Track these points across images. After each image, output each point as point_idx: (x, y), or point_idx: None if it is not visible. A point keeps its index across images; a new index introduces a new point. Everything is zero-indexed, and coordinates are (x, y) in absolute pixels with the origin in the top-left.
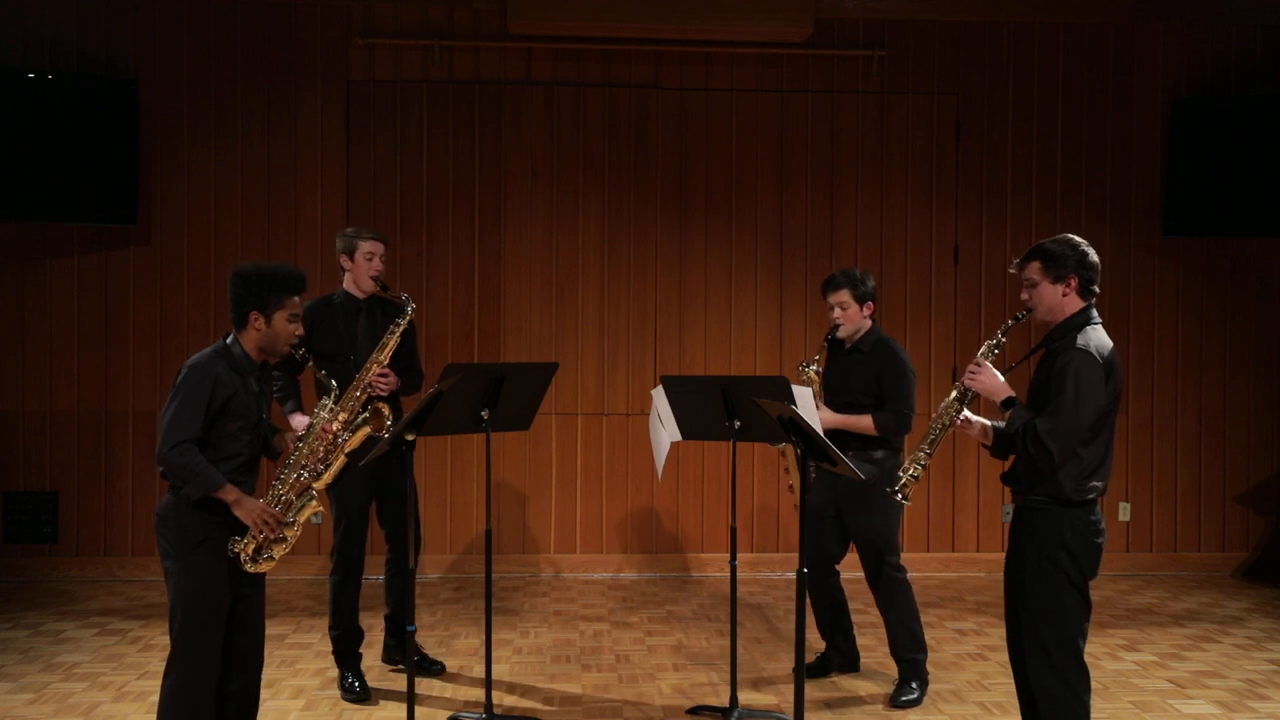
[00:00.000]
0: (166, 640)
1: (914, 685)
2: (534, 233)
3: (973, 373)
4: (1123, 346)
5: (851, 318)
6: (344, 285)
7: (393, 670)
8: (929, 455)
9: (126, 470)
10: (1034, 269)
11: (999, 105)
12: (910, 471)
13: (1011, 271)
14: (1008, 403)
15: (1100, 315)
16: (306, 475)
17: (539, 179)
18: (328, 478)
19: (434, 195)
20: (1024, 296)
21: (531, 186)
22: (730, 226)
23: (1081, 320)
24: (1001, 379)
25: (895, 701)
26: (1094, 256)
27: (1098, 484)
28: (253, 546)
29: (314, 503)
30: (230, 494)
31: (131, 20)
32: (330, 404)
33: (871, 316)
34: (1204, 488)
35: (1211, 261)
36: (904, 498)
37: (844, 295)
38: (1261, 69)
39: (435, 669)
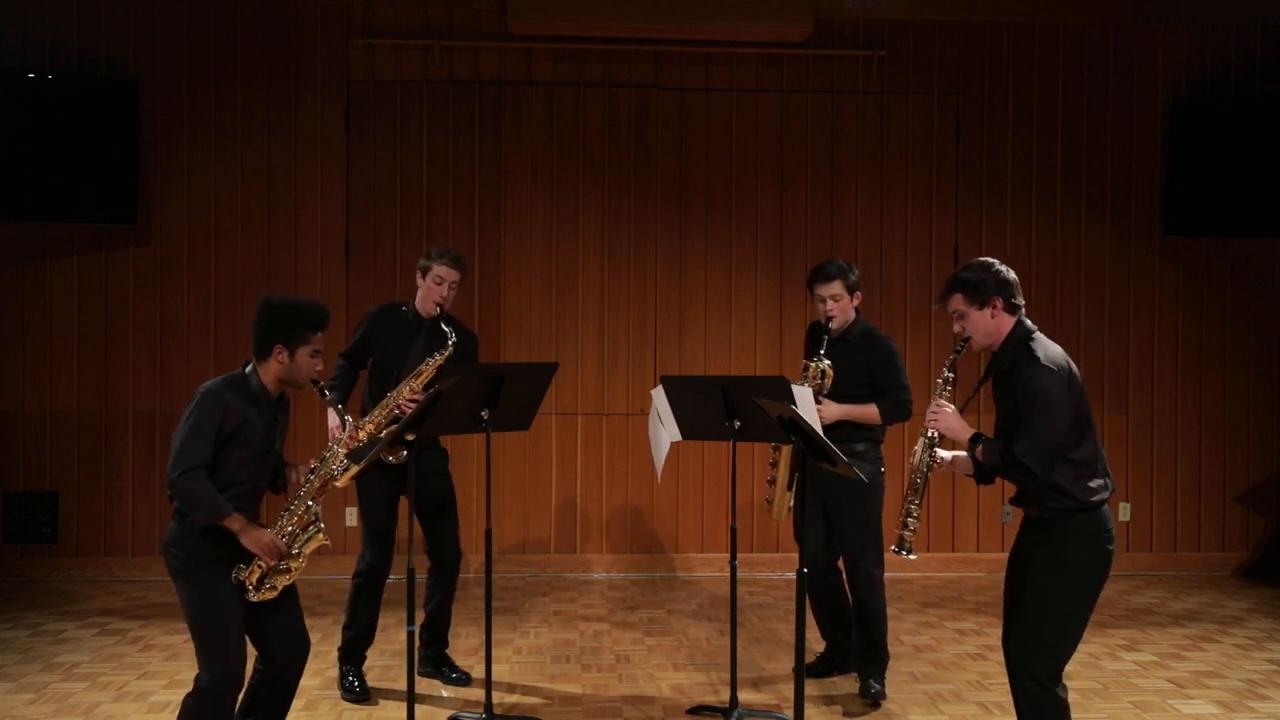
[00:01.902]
0: (167, 640)
1: (874, 682)
2: (534, 233)
3: (934, 415)
4: (1122, 346)
5: (844, 308)
6: (415, 300)
7: (424, 677)
8: (919, 506)
9: (126, 470)
10: (957, 301)
11: (999, 105)
12: (908, 529)
13: (935, 308)
14: (975, 439)
15: (1100, 315)
16: (335, 469)
17: (539, 179)
18: (345, 479)
19: (434, 195)
20: (957, 329)
21: (531, 186)
22: (730, 226)
23: (1022, 334)
24: (960, 419)
25: (866, 694)
26: (1009, 272)
27: (1101, 481)
28: (256, 575)
29: (320, 535)
30: (236, 522)
31: (131, 20)
32: (344, 437)
33: (856, 307)
34: (1204, 488)
35: (1211, 261)
36: (908, 552)
37: (836, 286)
38: (1261, 69)
39: (461, 679)
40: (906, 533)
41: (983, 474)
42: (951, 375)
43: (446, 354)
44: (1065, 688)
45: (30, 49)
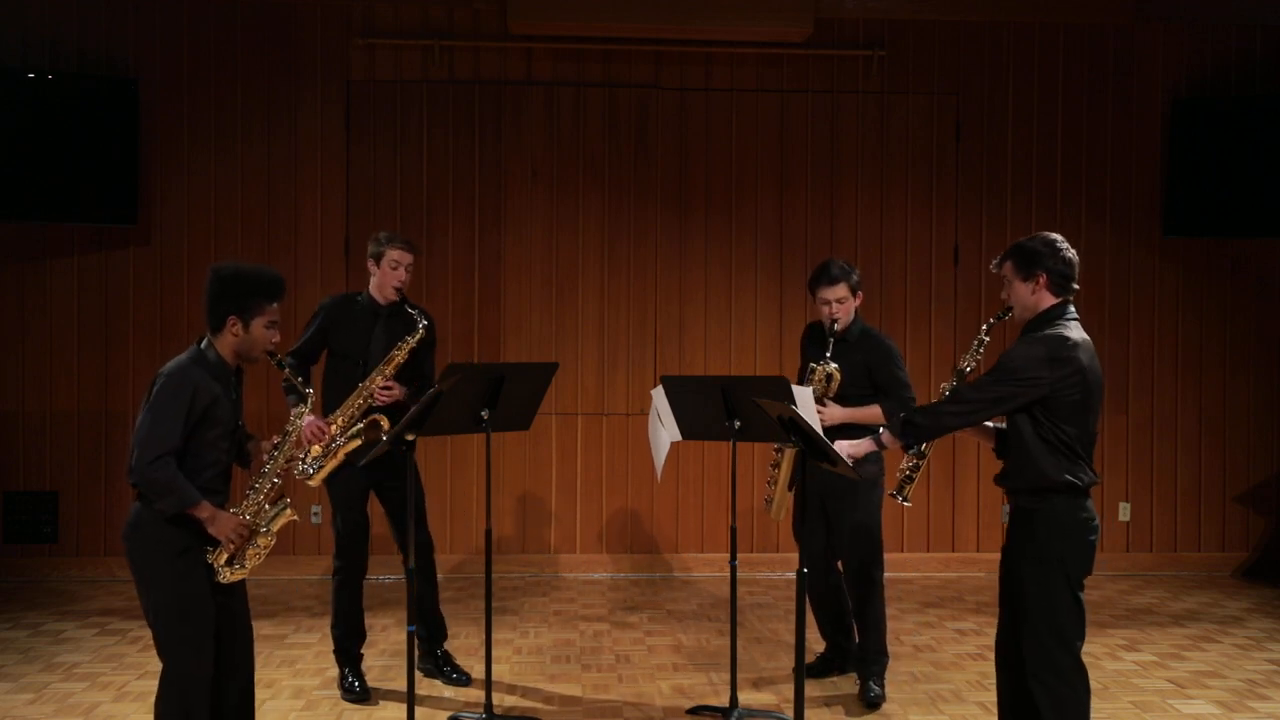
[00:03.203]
0: None
1: (874, 685)
2: (534, 233)
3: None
4: (1122, 346)
5: (848, 310)
6: (369, 288)
7: (424, 676)
8: (924, 460)
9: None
10: (1007, 268)
11: (999, 105)
12: (910, 480)
13: (993, 270)
14: (875, 439)
15: (1100, 315)
16: (301, 470)
17: (539, 179)
18: (319, 477)
19: (434, 195)
20: (1004, 295)
21: (531, 186)
22: (730, 226)
23: (1054, 315)
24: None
25: (866, 699)
26: (1069, 252)
27: (1088, 476)
28: (224, 556)
29: (288, 511)
30: (204, 511)
31: (131, 20)
32: (306, 410)
33: (856, 308)
34: (1204, 488)
35: (1211, 261)
36: (904, 499)
37: (841, 289)
38: (1261, 69)
39: (462, 680)
40: (903, 479)
41: (1002, 446)
42: (987, 339)
43: (419, 336)
44: (1088, 687)
45: (30, 49)
